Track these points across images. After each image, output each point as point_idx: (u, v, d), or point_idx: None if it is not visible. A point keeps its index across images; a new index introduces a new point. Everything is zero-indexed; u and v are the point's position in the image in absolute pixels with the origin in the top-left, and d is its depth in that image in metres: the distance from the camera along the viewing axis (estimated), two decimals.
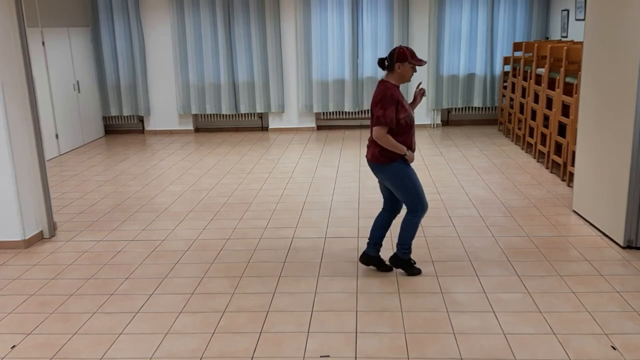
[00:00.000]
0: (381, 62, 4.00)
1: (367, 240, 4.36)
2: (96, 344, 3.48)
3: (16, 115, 4.97)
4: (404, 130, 3.95)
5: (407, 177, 4.00)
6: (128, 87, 10.27)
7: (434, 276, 4.26)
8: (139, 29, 10.03)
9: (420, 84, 4.26)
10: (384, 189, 4.25)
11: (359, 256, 4.44)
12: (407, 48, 3.93)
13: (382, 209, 4.32)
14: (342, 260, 4.59)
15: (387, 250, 4.55)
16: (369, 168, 4.17)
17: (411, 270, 4.26)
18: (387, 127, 3.88)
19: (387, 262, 4.35)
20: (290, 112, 10.43)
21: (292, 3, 9.93)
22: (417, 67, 4.01)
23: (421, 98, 4.19)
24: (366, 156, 4.13)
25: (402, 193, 4.06)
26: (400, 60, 3.90)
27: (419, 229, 5.21)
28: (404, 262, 4.26)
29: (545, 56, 7.72)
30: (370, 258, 4.34)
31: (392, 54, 3.93)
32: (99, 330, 3.64)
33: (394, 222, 4.39)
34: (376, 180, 6.79)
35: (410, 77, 3.97)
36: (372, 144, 4.04)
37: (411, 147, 4.01)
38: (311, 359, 3.26)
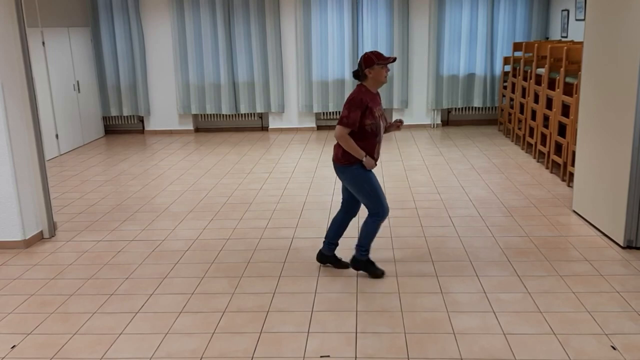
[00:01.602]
0: (355, 74, 4.05)
1: (323, 239, 4.43)
2: (96, 344, 3.48)
3: (16, 115, 4.98)
4: (367, 137, 3.98)
5: (366, 181, 4.04)
6: (128, 87, 10.27)
7: (434, 276, 4.26)
8: (139, 29, 10.03)
9: (400, 121, 4.26)
10: (344, 191, 4.29)
11: (316, 255, 4.51)
12: (372, 52, 3.98)
13: (340, 209, 4.37)
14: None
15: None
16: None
17: (373, 270, 4.27)
18: (348, 128, 3.92)
19: (344, 261, 4.44)
20: (290, 112, 10.43)
21: (292, 3, 9.93)
22: (392, 66, 4.06)
23: (396, 129, 4.26)
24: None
25: (362, 196, 4.10)
26: (368, 65, 3.95)
27: (419, 228, 5.21)
28: (363, 264, 4.28)
29: (545, 56, 7.72)
30: (325, 257, 4.43)
31: (360, 62, 3.99)
32: (99, 330, 3.64)
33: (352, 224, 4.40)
34: None
35: (385, 77, 4.01)
36: (337, 145, 4.09)
37: (372, 155, 4.04)
38: (311, 359, 3.26)
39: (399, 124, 4.24)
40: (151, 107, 10.45)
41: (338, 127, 3.94)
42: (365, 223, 4.18)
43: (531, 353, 3.25)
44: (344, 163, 4.03)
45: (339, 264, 4.42)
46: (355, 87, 4.05)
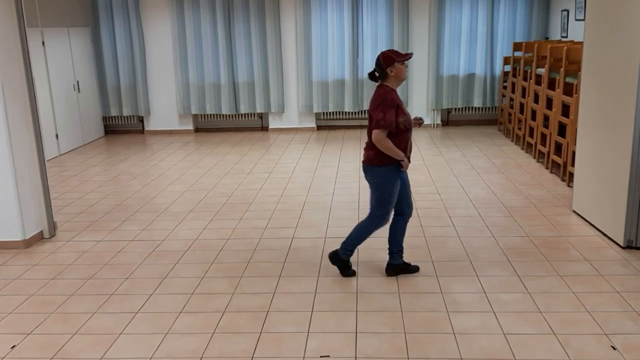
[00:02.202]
0: (372, 75, 4.01)
1: (388, 251, 4.30)
2: (96, 344, 3.48)
3: (16, 115, 4.98)
4: (400, 133, 3.95)
5: (390, 187, 4.01)
6: (128, 87, 10.27)
7: (434, 276, 4.26)
8: (139, 29, 10.03)
9: (421, 118, 4.26)
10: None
11: (385, 268, 4.32)
12: (389, 50, 3.96)
13: (394, 214, 4.28)
14: None
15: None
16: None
17: (346, 272, 4.27)
18: (386, 130, 3.88)
19: (411, 265, 4.35)
20: (290, 112, 10.43)
21: (292, 3, 9.93)
22: (408, 63, 4.02)
23: (417, 126, 4.23)
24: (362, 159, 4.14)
25: (376, 198, 4.06)
26: (389, 64, 3.92)
27: (419, 228, 5.21)
28: (341, 262, 4.26)
29: (545, 56, 7.72)
30: (396, 267, 4.28)
31: (378, 63, 3.95)
32: (99, 330, 3.64)
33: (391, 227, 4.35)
34: None
35: (405, 74, 4.00)
36: (369, 147, 4.04)
37: (405, 151, 4.02)
38: (311, 359, 3.26)
39: (420, 122, 4.21)
40: (151, 107, 10.45)
41: (376, 131, 3.88)
42: (361, 225, 4.17)
43: (531, 353, 3.25)
44: (376, 164, 3.99)
45: (410, 270, 4.31)
46: (376, 89, 3.99)
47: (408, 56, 3.94)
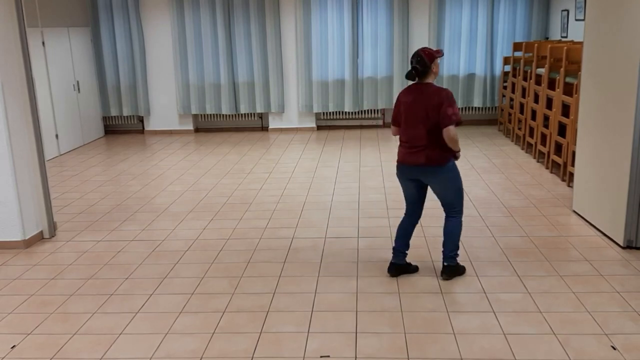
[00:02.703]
0: (411, 74, 3.96)
1: (392, 251, 4.27)
2: (96, 344, 3.48)
3: (16, 115, 4.98)
4: None
5: (459, 175, 4.07)
6: (128, 87, 10.27)
7: (434, 276, 4.25)
8: (139, 29, 10.03)
9: None
10: (414, 194, 4.18)
11: (388, 268, 4.29)
12: (426, 48, 3.98)
13: (405, 215, 4.27)
14: (342, 260, 4.59)
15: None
16: (413, 173, 4.05)
17: (461, 270, 4.26)
18: (457, 125, 3.91)
19: (412, 265, 4.33)
20: (290, 112, 10.43)
21: (292, 3, 9.93)
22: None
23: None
24: (413, 161, 4.00)
25: (452, 192, 4.07)
26: (431, 60, 3.94)
27: (419, 228, 5.20)
28: (457, 269, 4.21)
29: (545, 56, 7.72)
30: (399, 267, 4.26)
31: (421, 60, 3.90)
32: (99, 330, 3.64)
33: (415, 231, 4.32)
34: (376, 180, 6.81)
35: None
36: (430, 147, 3.94)
37: None
38: (311, 359, 3.26)
39: None
40: (151, 107, 10.45)
41: (450, 128, 3.83)
42: (451, 224, 4.12)
43: (531, 353, 3.25)
44: (443, 162, 3.96)
45: (412, 270, 4.30)
46: (420, 87, 3.96)
47: (441, 53, 4.02)
